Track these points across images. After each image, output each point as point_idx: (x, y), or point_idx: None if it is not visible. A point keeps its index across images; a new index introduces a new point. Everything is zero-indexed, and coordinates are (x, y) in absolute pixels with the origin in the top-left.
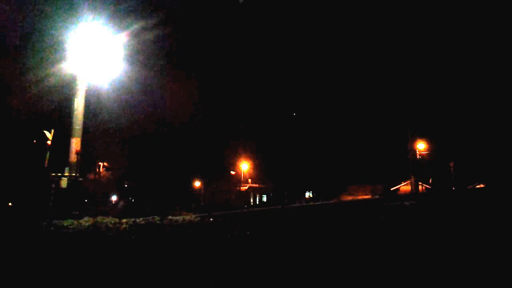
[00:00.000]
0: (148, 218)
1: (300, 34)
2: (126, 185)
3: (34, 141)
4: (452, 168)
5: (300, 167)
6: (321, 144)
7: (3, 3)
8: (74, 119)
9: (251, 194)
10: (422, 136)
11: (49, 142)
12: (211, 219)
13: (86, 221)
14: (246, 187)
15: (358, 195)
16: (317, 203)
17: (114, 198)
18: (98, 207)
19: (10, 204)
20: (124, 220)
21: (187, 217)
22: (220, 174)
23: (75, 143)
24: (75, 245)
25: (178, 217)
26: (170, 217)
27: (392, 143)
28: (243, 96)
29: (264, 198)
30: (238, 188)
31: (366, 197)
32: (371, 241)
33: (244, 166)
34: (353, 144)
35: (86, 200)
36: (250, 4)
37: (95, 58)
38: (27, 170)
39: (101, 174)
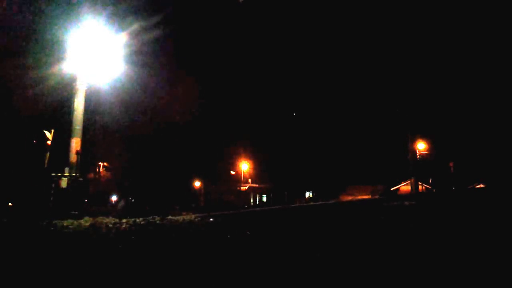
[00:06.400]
0: (148, 218)
1: (300, 34)
2: (126, 185)
3: (34, 141)
4: (452, 168)
5: (300, 167)
6: (321, 144)
7: (3, 3)
8: (74, 119)
9: (251, 194)
10: (422, 136)
11: (49, 142)
12: (211, 219)
13: (86, 221)
14: (246, 187)
15: (358, 195)
16: (317, 203)
17: (114, 198)
18: (98, 207)
19: (10, 204)
20: (124, 220)
21: (187, 217)
22: (220, 174)
23: (75, 143)
24: (75, 245)
25: (178, 217)
26: (170, 217)
27: (392, 143)
28: (243, 96)
29: (264, 198)
30: (238, 188)
31: (366, 197)
32: (371, 241)
33: (244, 166)
34: (353, 144)
35: (86, 200)
36: (250, 4)
37: (95, 58)
38: (27, 170)
39: (101, 174)
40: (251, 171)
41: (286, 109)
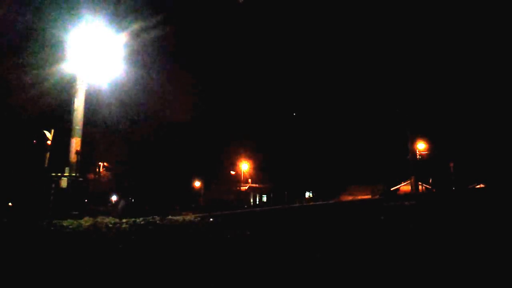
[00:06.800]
0: (148, 218)
1: (300, 34)
2: (126, 185)
3: (34, 141)
4: (452, 168)
5: (300, 167)
6: (321, 144)
7: (3, 2)
8: (74, 119)
9: (251, 194)
10: (422, 136)
11: (49, 142)
12: (211, 219)
13: (86, 221)
14: (246, 187)
15: (358, 195)
16: (317, 203)
17: (114, 198)
18: (98, 207)
19: (10, 204)
20: (124, 220)
21: (187, 217)
22: (220, 174)
23: (75, 143)
24: (75, 245)
25: (178, 217)
26: (170, 217)
27: (392, 143)
28: (243, 96)
29: (264, 198)
30: (238, 188)
31: (366, 197)
32: (371, 241)
33: (244, 166)
34: (353, 144)
35: (86, 200)
36: (250, 4)
37: (95, 58)
38: (27, 170)
39: (101, 174)
40: (251, 171)
41: (286, 109)
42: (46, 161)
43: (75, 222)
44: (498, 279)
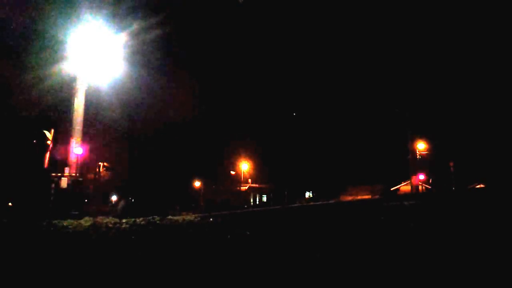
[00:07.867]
0: (148, 218)
1: (300, 34)
2: (126, 185)
3: (34, 141)
4: (452, 168)
5: (300, 167)
6: (321, 144)
7: (3, 2)
8: (74, 119)
9: (251, 194)
10: (422, 136)
11: (49, 142)
12: (211, 219)
13: (86, 221)
14: (246, 187)
15: (358, 195)
16: (317, 203)
17: (114, 198)
18: (98, 207)
19: (10, 204)
20: (124, 220)
21: (187, 217)
22: (220, 174)
23: (75, 143)
24: (75, 245)
25: (178, 217)
26: (170, 217)
27: (392, 143)
28: (243, 96)
29: (264, 198)
30: (238, 188)
31: (366, 197)
32: (371, 241)
33: (244, 166)
34: (353, 144)
35: (86, 200)
36: (250, 4)
37: (95, 58)
38: (27, 170)
39: (101, 174)
40: (251, 171)
41: (286, 109)
42: (46, 161)
43: (75, 222)
44: (498, 278)
